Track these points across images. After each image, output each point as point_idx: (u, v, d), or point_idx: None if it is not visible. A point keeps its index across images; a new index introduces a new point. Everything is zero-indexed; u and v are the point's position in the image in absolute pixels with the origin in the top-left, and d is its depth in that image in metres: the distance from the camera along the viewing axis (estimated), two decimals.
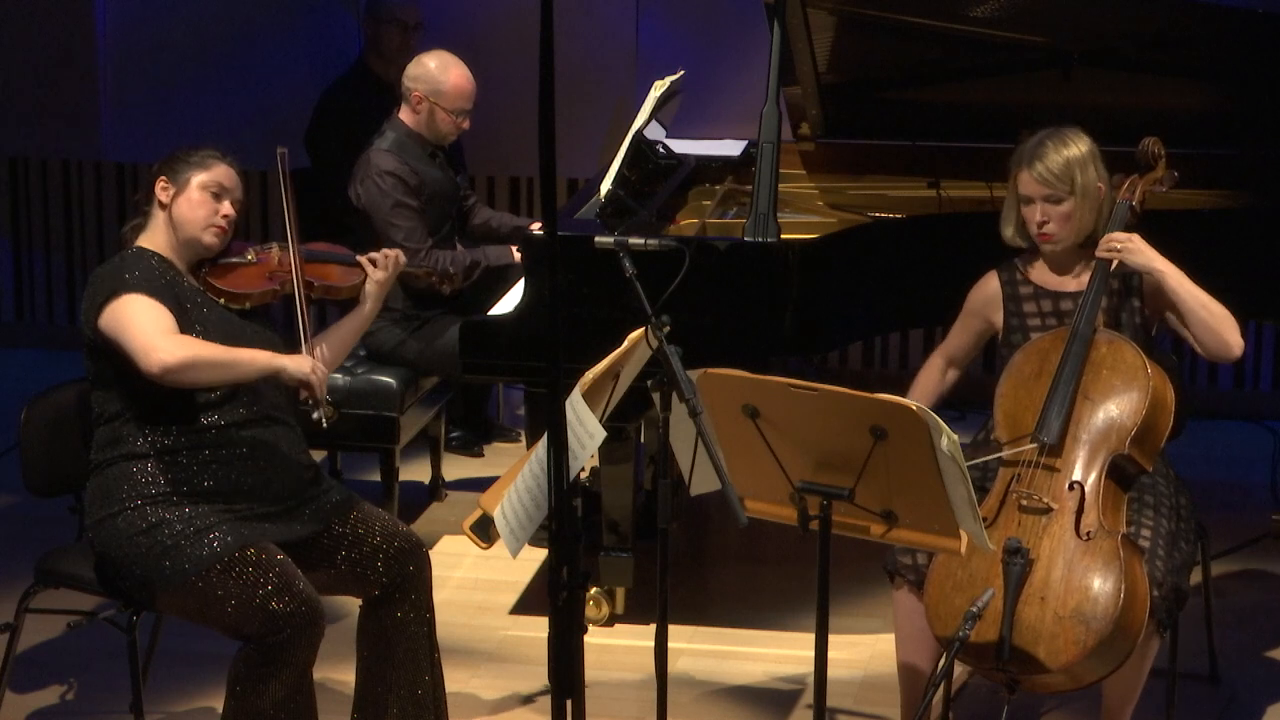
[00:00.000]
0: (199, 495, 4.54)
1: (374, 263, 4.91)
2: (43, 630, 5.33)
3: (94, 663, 5.38)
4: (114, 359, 4.55)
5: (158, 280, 4.60)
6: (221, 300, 4.69)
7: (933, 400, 5.04)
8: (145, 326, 4.50)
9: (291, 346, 4.73)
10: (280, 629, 4.42)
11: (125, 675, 4.76)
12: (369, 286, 4.91)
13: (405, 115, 6.41)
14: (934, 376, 5.10)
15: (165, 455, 4.55)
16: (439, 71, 6.38)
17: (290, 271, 4.78)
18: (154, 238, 4.69)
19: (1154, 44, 5.95)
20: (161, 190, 4.68)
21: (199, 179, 4.67)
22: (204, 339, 4.58)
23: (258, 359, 4.57)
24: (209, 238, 4.67)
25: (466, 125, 6.44)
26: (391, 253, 4.95)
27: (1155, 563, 4.58)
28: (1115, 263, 4.82)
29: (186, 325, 4.58)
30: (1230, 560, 6.13)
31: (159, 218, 4.69)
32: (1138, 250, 4.80)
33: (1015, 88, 6.11)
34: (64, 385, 4.93)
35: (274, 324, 4.85)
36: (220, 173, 4.69)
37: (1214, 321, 4.80)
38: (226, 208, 4.69)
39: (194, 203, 4.66)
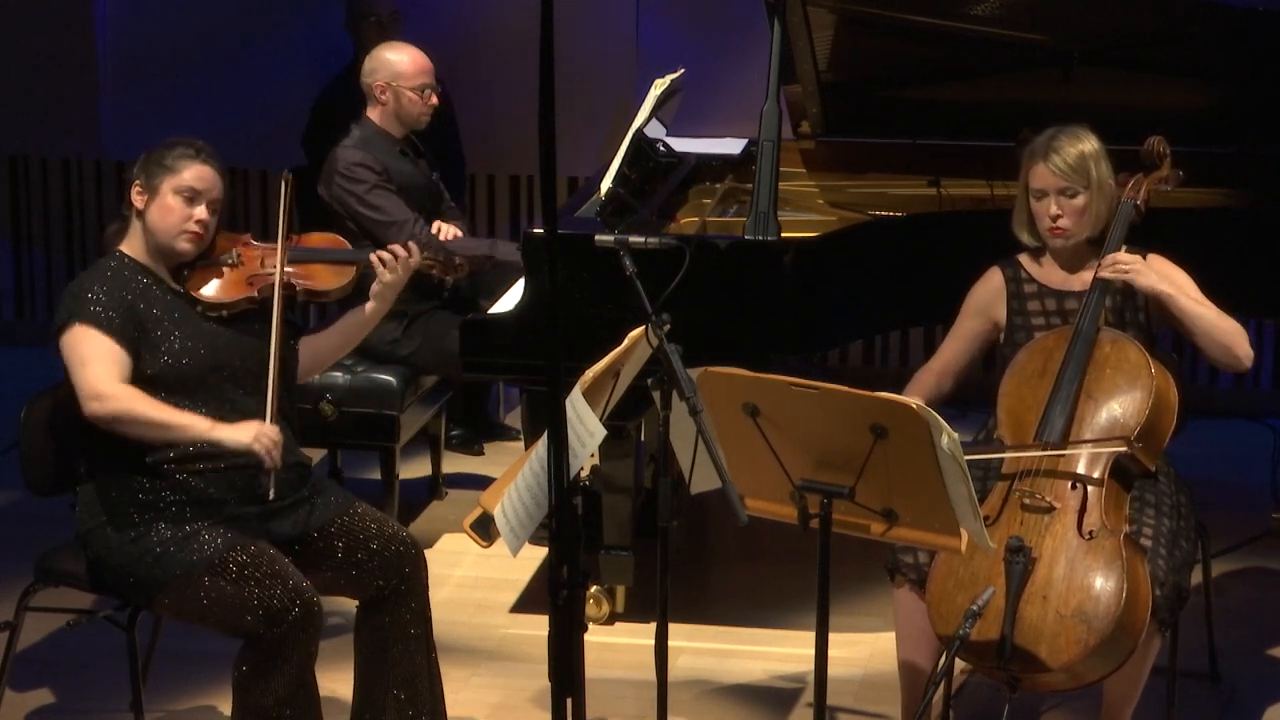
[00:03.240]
0: (187, 500, 4.50)
1: (383, 261, 4.71)
2: (42, 629, 5.33)
3: (94, 662, 5.37)
4: None
5: (122, 297, 4.48)
6: (198, 308, 4.59)
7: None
8: (89, 368, 4.43)
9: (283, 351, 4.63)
10: (278, 624, 4.40)
11: (125, 674, 4.75)
12: (375, 287, 4.74)
13: (372, 113, 6.41)
14: (922, 390, 4.89)
15: (154, 462, 4.49)
16: (391, 55, 6.40)
17: (270, 274, 4.59)
18: (133, 243, 4.59)
19: (1154, 43, 5.95)
20: (136, 195, 4.56)
21: (170, 184, 4.52)
22: (172, 356, 4.50)
23: (194, 428, 4.42)
24: (183, 244, 4.54)
25: (435, 101, 6.41)
26: (402, 251, 4.73)
27: (1157, 562, 4.57)
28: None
29: (151, 346, 4.49)
30: (1230, 559, 6.13)
31: (136, 223, 4.58)
32: (1144, 274, 4.77)
33: (1015, 86, 6.10)
34: (64, 384, 4.91)
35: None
36: (192, 175, 4.53)
37: (1224, 337, 4.77)
38: (201, 212, 4.53)
39: (166, 209, 4.52)
